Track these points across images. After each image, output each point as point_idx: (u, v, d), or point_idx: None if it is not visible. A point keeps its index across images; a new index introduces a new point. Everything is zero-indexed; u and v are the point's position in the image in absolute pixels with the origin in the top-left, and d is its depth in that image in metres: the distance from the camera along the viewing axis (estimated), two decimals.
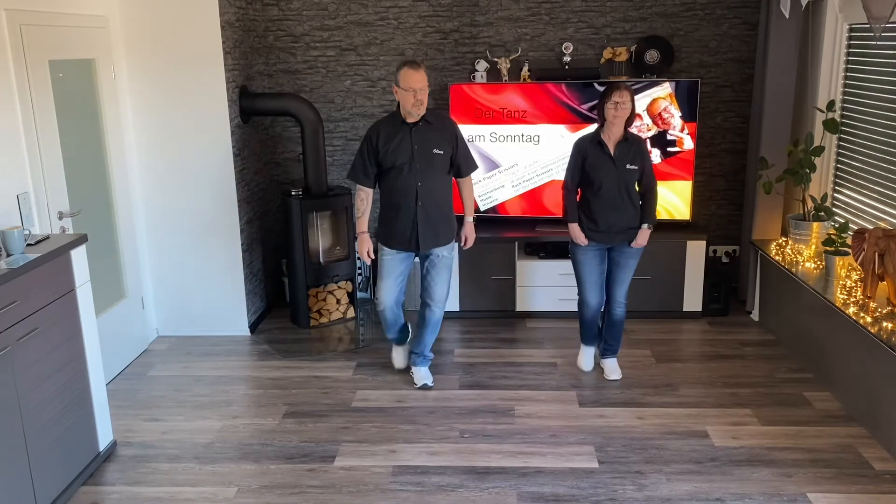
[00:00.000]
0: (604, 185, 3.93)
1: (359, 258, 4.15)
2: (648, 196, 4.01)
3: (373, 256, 4.08)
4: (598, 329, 4.32)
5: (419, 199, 3.91)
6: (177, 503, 3.20)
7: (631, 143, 3.94)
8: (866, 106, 4.31)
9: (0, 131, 3.40)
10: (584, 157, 3.96)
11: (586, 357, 4.39)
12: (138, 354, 4.72)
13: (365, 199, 4.00)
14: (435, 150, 3.90)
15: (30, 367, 2.96)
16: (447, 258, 4.07)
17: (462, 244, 4.21)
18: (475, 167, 4.15)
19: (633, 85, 4.97)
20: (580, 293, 4.20)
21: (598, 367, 4.39)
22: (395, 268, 4.06)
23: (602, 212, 3.96)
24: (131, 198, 4.66)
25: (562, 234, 5.12)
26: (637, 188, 3.99)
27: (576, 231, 4.04)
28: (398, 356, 4.42)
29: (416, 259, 4.14)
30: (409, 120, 3.88)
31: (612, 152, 3.91)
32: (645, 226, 4.00)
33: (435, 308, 4.10)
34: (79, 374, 3.33)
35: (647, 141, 4.17)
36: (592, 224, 4.00)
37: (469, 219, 4.16)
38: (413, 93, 3.76)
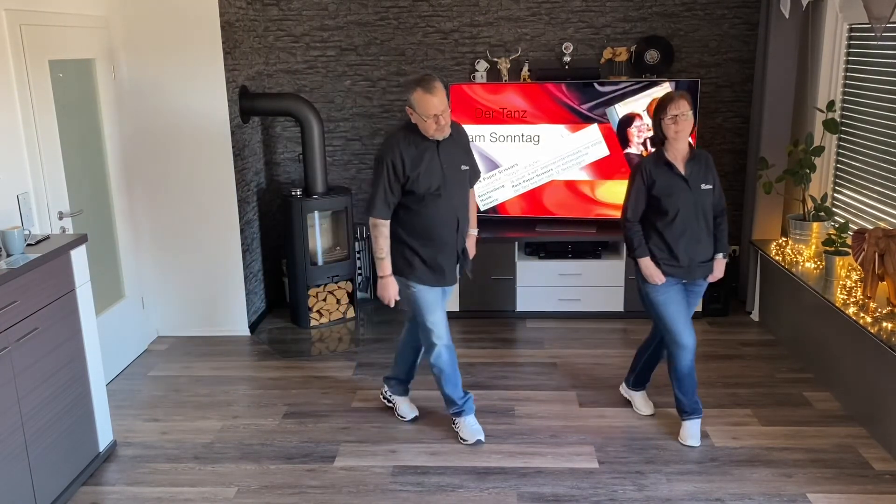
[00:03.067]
0: (680, 213, 3.35)
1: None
2: (721, 220, 3.48)
3: (398, 299, 3.51)
4: (696, 385, 3.60)
5: (460, 225, 3.44)
6: (177, 503, 3.20)
7: (700, 160, 3.41)
8: (866, 106, 4.31)
9: (0, 131, 3.40)
10: (652, 183, 3.37)
11: (690, 430, 3.58)
12: (138, 354, 4.72)
13: (386, 238, 3.40)
14: (462, 167, 3.46)
15: (30, 368, 2.96)
16: (458, 278, 3.63)
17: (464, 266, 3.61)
18: (480, 173, 3.75)
19: (637, 87, 4.97)
20: (669, 342, 3.50)
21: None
22: (438, 300, 3.52)
23: (681, 244, 3.39)
24: (131, 198, 4.66)
25: (562, 234, 5.15)
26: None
27: (650, 268, 3.43)
28: (406, 406, 3.88)
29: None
30: (431, 138, 3.36)
31: (683, 172, 3.37)
32: (720, 256, 3.49)
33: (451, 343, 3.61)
34: (79, 374, 3.33)
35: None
36: (671, 259, 3.42)
37: (473, 232, 3.67)
38: (434, 119, 3.23)
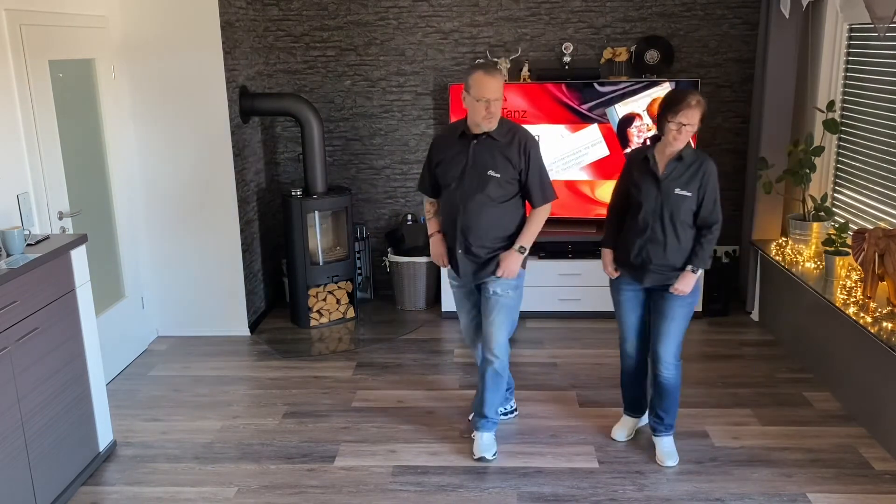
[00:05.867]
0: (643, 209, 3.21)
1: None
2: (703, 233, 3.21)
3: (447, 264, 3.49)
4: (643, 393, 3.58)
5: (458, 224, 3.34)
6: (177, 503, 3.20)
7: (689, 164, 3.18)
8: (866, 106, 4.31)
9: (0, 131, 3.40)
10: (629, 173, 3.29)
11: (621, 426, 3.65)
12: (138, 354, 4.71)
13: (431, 206, 3.55)
14: (490, 173, 3.26)
15: (30, 368, 2.96)
16: (502, 296, 3.37)
17: (497, 271, 3.36)
18: (552, 198, 3.38)
19: (637, 87, 4.97)
20: (620, 338, 3.52)
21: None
22: (463, 301, 3.54)
23: (635, 242, 3.25)
24: (131, 198, 4.66)
25: (562, 234, 5.14)
26: (692, 222, 3.22)
27: (605, 259, 3.40)
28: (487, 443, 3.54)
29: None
30: (474, 131, 3.28)
31: (659, 170, 3.20)
32: (689, 268, 3.21)
33: (490, 357, 3.40)
34: (79, 374, 3.33)
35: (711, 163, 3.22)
36: (623, 254, 3.33)
37: (516, 247, 3.33)
38: (486, 104, 3.16)
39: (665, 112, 3.13)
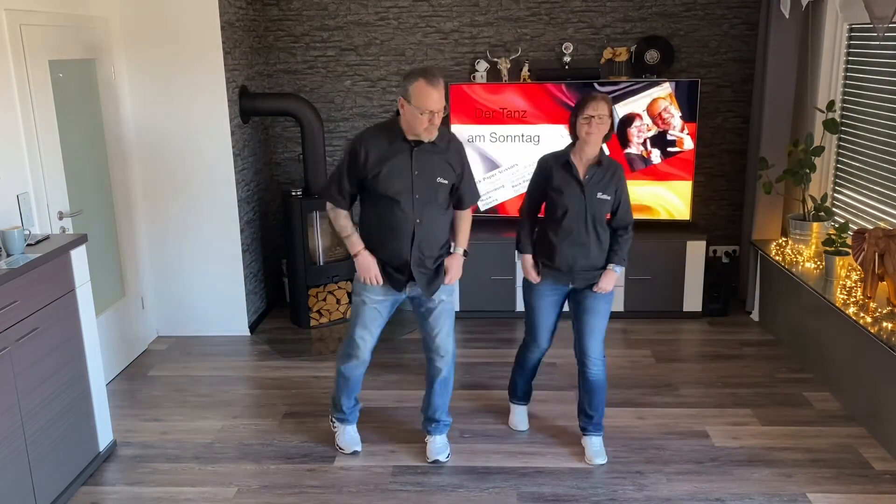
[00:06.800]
0: (568, 215, 3.27)
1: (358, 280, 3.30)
2: (620, 233, 3.34)
3: (381, 281, 3.23)
4: (531, 381, 3.72)
5: (416, 239, 3.15)
6: (177, 503, 3.20)
7: (606, 169, 3.29)
8: (866, 106, 4.31)
9: (0, 131, 3.40)
10: (549, 179, 3.32)
11: (518, 415, 3.75)
12: (138, 354, 4.71)
13: (348, 220, 3.24)
14: (439, 179, 3.14)
15: (30, 368, 2.96)
16: (448, 302, 3.32)
17: (446, 279, 3.28)
18: (478, 197, 3.40)
19: (637, 87, 4.97)
20: (527, 334, 3.54)
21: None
22: (379, 316, 3.32)
23: (561, 246, 3.30)
24: (131, 198, 4.66)
25: None
26: (608, 223, 3.35)
27: (527, 264, 3.40)
28: (350, 437, 3.59)
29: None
30: (410, 137, 3.09)
31: (581, 176, 3.27)
32: (611, 266, 3.32)
33: (441, 365, 3.37)
34: (79, 374, 3.33)
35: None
36: (548, 260, 3.35)
37: (459, 251, 3.32)
38: (428, 115, 2.98)
39: (574, 114, 3.24)
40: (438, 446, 3.48)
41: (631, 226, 3.36)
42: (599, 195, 3.26)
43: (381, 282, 3.22)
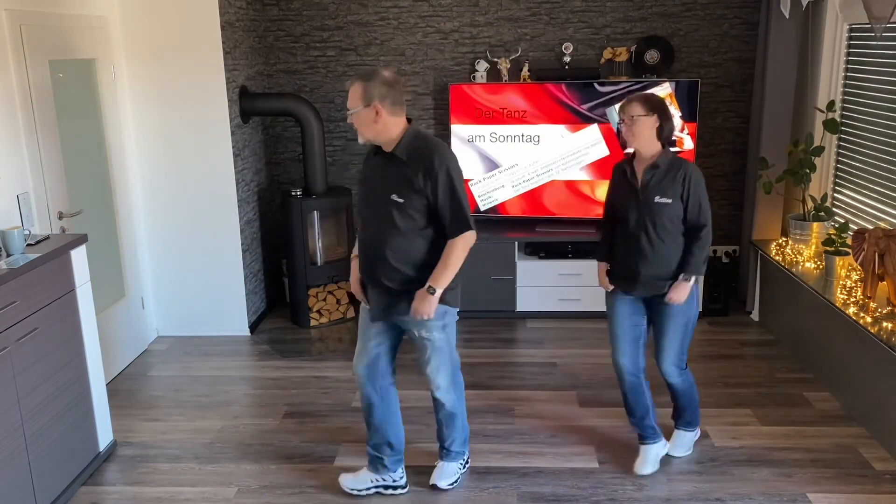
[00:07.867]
0: (627, 220, 3.14)
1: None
2: (692, 239, 3.09)
3: (358, 292, 3.09)
4: (650, 407, 3.35)
5: (367, 256, 2.94)
6: (177, 503, 3.20)
7: (666, 171, 3.06)
8: (866, 106, 4.31)
9: (0, 131, 3.40)
10: (613, 186, 3.25)
11: (640, 455, 3.36)
12: (138, 354, 4.72)
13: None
14: (393, 197, 2.81)
15: (30, 368, 2.96)
16: (427, 339, 2.99)
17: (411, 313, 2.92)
18: (466, 228, 2.85)
19: (637, 87, 4.97)
20: (612, 351, 3.38)
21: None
22: (366, 328, 3.07)
23: (623, 255, 3.19)
24: (131, 198, 4.66)
25: (561, 234, 5.14)
26: (681, 229, 3.12)
27: (599, 272, 3.34)
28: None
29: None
30: (386, 148, 2.86)
31: (637, 180, 3.12)
32: (682, 276, 3.10)
33: (438, 396, 3.14)
34: (79, 374, 3.33)
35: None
36: (616, 267, 3.26)
37: (426, 287, 2.86)
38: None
39: (618, 122, 3.16)
40: (442, 472, 3.28)
41: (705, 230, 3.09)
42: (657, 199, 3.06)
43: (358, 293, 3.09)
